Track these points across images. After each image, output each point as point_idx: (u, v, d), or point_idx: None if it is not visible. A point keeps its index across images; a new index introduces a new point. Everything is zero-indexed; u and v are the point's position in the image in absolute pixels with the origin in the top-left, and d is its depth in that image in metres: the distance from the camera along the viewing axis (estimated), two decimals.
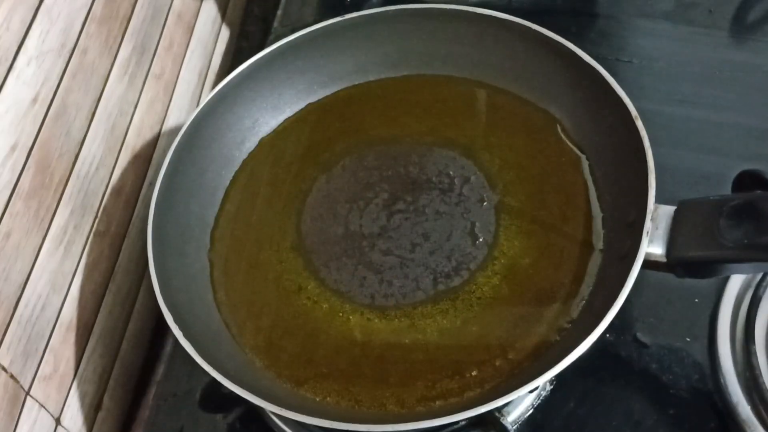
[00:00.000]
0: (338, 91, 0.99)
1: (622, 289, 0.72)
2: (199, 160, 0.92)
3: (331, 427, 0.71)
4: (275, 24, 1.20)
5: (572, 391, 0.86)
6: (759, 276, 0.87)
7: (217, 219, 0.91)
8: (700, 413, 0.84)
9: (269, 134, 0.97)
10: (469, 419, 0.71)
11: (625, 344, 0.88)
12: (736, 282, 0.89)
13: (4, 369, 0.75)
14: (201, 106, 0.92)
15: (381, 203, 0.90)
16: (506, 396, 0.70)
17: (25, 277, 0.78)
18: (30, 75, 0.77)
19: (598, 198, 0.86)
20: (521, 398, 0.85)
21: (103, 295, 0.92)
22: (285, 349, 0.82)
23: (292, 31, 0.97)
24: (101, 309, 0.91)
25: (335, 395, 0.79)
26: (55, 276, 0.83)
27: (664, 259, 0.75)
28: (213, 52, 1.19)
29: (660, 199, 0.77)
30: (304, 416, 0.72)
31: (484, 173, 0.90)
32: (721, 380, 0.84)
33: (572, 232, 0.85)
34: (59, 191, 0.83)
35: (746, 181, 0.79)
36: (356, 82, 0.99)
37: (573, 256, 0.83)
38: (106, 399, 0.93)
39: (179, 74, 1.07)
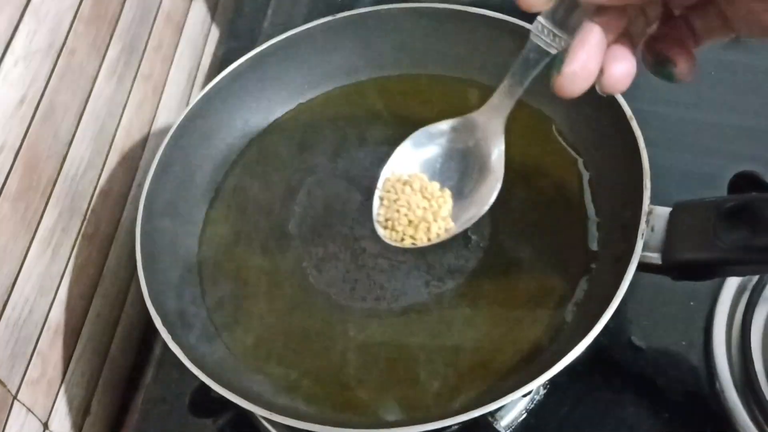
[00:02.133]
0: (329, 91, 0.99)
1: (617, 291, 0.72)
2: (189, 161, 0.92)
3: None
4: (265, 24, 1.19)
5: (566, 395, 0.85)
6: (755, 279, 0.87)
7: (206, 221, 0.91)
8: (695, 417, 0.83)
9: (259, 134, 0.97)
10: (462, 423, 0.70)
11: (620, 348, 0.88)
12: (731, 285, 0.88)
13: None
14: (190, 106, 0.92)
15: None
16: (499, 400, 0.69)
17: (13, 279, 0.77)
18: (17, 76, 0.76)
19: (593, 199, 0.85)
20: (514, 402, 0.84)
21: (92, 298, 0.91)
22: (275, 353, 0.82)
23: (283, 31, 0.96)
24: (89, 312, 0.91)
25: (327, 399, 0.79)
26: (43, 279, 0.82)
27: (659, 261, 0.75)
28: (203, 53, 1.18)
29: (655, 201, 0.76)
30: (295, 421, 0.71)
31: None
32: (717, 384, 0.84)
33: (567, 233, 0.84)
34: (47, 193, 0.82)
35: (742, 182, 0.79)
36: (348, 82, 0.99)
37: (567, 259, 0.83)
38: (94, 403, 0.92)
39: (168, 75, 1.07)
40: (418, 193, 0.77)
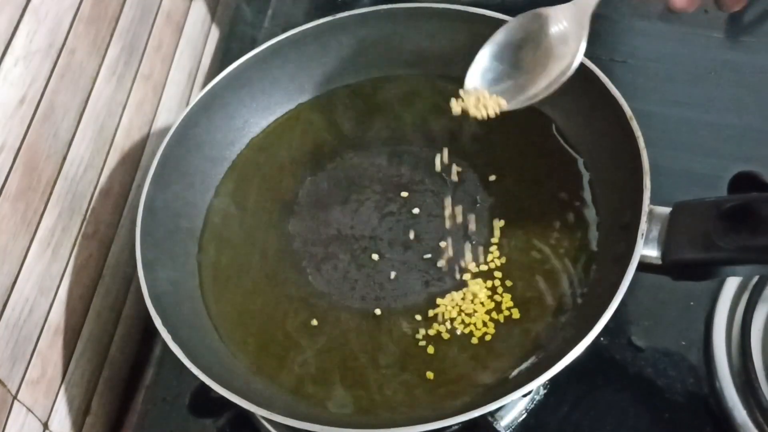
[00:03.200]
0: (329, 91, 0.98)
1: (616, 291, 0.72)
2: (189, 161, 0.91)
3: None
4: (265, 24, 1.19)
5: (566, 395, 0.85)
6: (755, 279, 0.87)
7: (206, 221, 0.91)
8: (695, 417, 0.83)
9: (259, 135, 0.96)
10: (462, 423, 0.70)
11: (620, 348, 0.87)
12: (731, 285, 0.88)
13: None
14: (190, 106, 0.92)
15: (372, 205, 0.89)
16: (499, 400, 0.69)
17: (13, 279, 0.77)
18: (17, 75, 0.76)
19: (593, 199, 0.85)
20: (514, 402, 0.84)
21: (92, 298, 0.91)
22: (275, 353, 0.82)
23: (283, 31, 0.96)
24: (89, 312, 0.90)
25: (327, 400, 0.79)
26: (43, 279, 0.82)
27: (659, 261, 0.75)
28: (202, 53, 1.18)
29: (655, 201, 0.76)
30: (295, 421, 0.71)
31: (478, 174, 0.89)
32: (717, 384, 0.83)
33: (566, 233, 0.84)
34: (47, 193, 0.82)
35: (742, 182, 0.79)
36: (348, 82, 0.98)
37: (567, 258, 0.83)
38: (94, 403, 0.92)
39: (168, 75, 1.07)
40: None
